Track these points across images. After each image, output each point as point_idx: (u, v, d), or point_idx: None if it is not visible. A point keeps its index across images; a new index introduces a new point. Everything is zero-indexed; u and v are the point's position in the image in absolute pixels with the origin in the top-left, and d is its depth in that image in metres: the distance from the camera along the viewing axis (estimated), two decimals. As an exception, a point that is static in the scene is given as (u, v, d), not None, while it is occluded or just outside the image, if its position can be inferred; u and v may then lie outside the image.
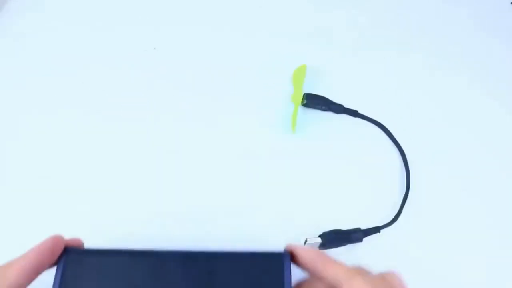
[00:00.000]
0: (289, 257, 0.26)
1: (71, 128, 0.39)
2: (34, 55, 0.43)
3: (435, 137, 0.41)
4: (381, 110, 0.42)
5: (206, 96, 0.42)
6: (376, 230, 0.35)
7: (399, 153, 0.40)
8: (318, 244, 0.34)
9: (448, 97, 0.44)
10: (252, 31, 0.46)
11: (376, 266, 0.25)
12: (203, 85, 0.43)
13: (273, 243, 0.27)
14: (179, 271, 0.25)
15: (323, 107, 0.42)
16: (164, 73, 0.43)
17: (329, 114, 0.42)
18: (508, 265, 0.36)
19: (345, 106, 0.42)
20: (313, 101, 0.41)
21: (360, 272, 0.25)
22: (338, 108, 0.42)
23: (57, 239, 0.26)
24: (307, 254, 0.26)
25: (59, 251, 0.26)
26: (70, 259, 0.26)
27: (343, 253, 0.34)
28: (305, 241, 0.34)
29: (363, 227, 0.35)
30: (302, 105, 0.42)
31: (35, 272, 0.25)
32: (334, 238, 0.34)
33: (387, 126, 0.41)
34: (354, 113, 0.42)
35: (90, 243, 0.27)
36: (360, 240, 0.35)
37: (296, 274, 0.27)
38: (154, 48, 0.45)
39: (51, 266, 0.26)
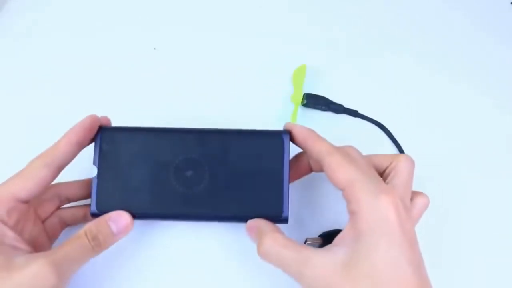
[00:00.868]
0: (288, 134, 0.31)
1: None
2: (34, 55, 0.43)
3: (434, 137, 0.41)
4: (381, 110, 0.42)
5: (206, 96, 0.42)
6: (376, 230, 0.35)
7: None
8: (318, 244, 0.34)
9: (448, 97, 0.44)
10: (252, 31, 0.46)
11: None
12: (203, 85, 0.43)
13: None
14: (197, 143, 0.31)
15: (323, 107, 0.42)
16: (164, 73, 0.43)
17: (329, 114, 0.42)
18: (508, 265, 0.36)
19: (345, 106, 0.42)
20: (313, 101, 0.42)
21: (340, 150, 0.29)
22: (338, 108, 0.42)
23: (93, 117, 0.30)
24: (300, 131, 0.31)
25: (95, 128, 0.31)
26: (105, 135, 0.31)
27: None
28: (305, 241, 0.34)
29: (363, 227, 0.35)
30: (302, 105, 0.42)
31: (79, 146, 0.30)
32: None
33: (387, 126, 0.41)
34: (354, 113, 0.42)
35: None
36: (360, 240, 0.35)
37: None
38: (154, 49, 0.45)
39: (89, 142, 0.31)
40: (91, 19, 0.46)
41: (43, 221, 0.32)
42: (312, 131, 0.31)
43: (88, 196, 0.31)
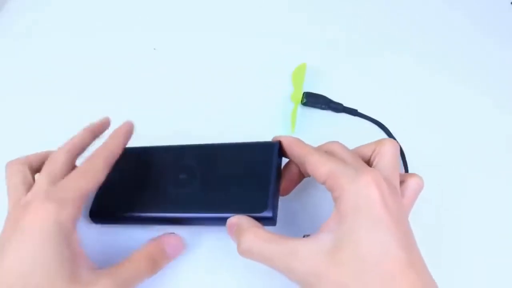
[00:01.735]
0: (277, 145, 0.32)
1: (71, 128, 0.39)
2: (34, 55, 0.44)
3: (434, 136, 0.41)
4: (381, 109, 0.42)
5: (206, 96, 0.42)
6: (376, 229, 0.35)
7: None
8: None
9: (448, 97, 0.44)
10: (252, 31, 0.46)
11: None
12: (203, 85, 0.43)
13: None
14: (191, 155, 0.33)
15: (323, 106, 0.42)
16: (164, 73, 0.43)
17: (328, 113, 0.42)
18: (508, 265, 0.36)
19: (345, 105, 0.42)
20: (312, 100, 0.41)
21: (320, 149, 0.29)
22: (337, 107, 0.42)
23: (131, 124, 0.32)
24: (286, 139, 0.31)
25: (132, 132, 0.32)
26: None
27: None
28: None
29: (363, 226, 0.35)
30: (301, 104, 0.42)
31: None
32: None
33: (386, 125, 0.41)
34: (353, 112, 0.42)
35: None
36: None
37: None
38: (154, 49, 0.45)
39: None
40: (91, 19, 0.46)
41: None
42: (297, 139, 0.31)
43: None
